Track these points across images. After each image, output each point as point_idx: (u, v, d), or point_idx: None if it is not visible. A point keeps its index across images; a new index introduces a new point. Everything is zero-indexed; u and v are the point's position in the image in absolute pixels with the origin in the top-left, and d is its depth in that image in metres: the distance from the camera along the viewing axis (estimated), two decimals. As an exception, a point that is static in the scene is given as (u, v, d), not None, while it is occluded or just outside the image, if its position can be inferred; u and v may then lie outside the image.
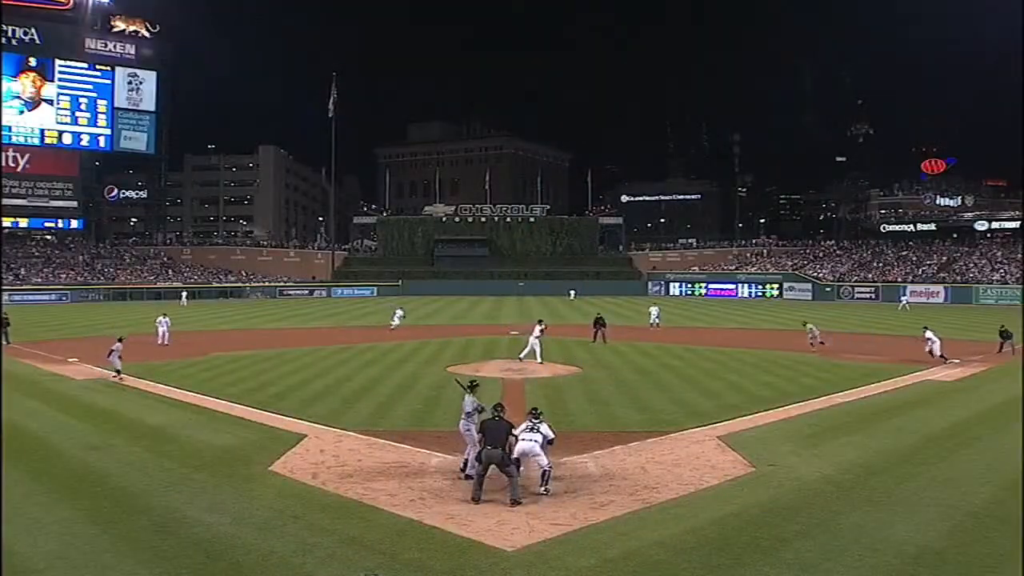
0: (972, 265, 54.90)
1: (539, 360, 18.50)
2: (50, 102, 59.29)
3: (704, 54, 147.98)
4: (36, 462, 9.23)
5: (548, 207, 75.63)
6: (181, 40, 66.97)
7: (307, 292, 61.16)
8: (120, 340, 16.19)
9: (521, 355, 19.05)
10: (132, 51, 62.70)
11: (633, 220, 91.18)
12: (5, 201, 54.92)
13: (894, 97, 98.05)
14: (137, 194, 68.50)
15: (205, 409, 12.81)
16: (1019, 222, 58.46)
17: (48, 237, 63.56)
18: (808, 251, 67.24)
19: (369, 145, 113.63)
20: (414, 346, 22.61)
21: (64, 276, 55.54)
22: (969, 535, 6.85)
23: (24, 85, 58.29)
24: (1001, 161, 69.79)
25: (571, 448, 9.79)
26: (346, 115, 78.62)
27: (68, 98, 60.03)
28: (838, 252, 65.20)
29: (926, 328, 19.45)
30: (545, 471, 8.07)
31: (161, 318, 23.49)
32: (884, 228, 67.18)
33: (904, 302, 43.85)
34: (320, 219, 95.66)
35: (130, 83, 62.76)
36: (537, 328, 19.45)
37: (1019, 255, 52.50)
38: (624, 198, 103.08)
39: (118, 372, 15.59)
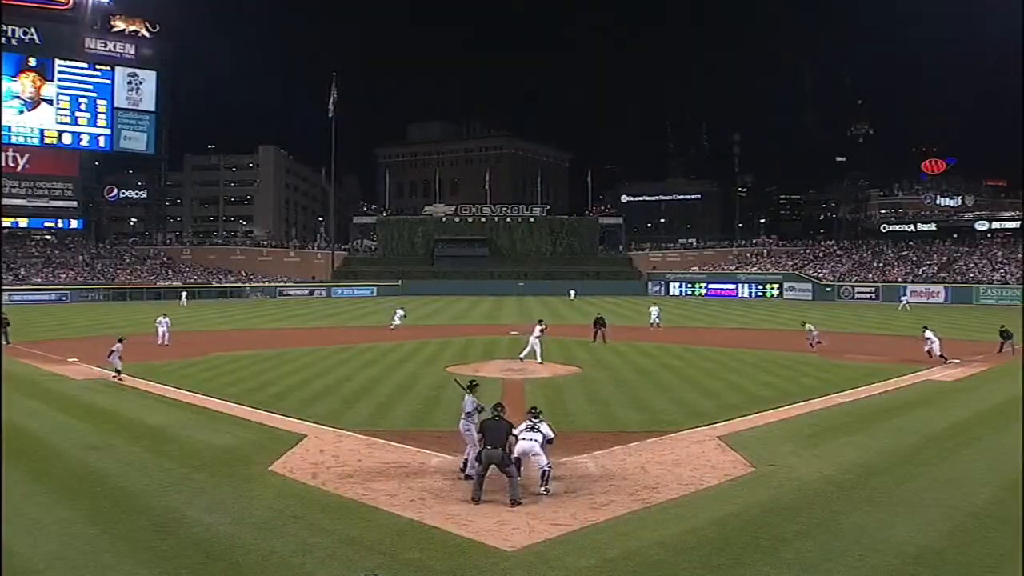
0: (972, 265, 54.87)
1: (539, 360, 18.49)
2: (50, 102, 59.22)
3: (704, 54, 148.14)
4: (36, 462, 9.23)
5: (548, 207, 75.61)
6: (181, 40, 67.09)
7: (307, 292, 61.15)
8: (120, 340, 16.19)
9: (521, 355, 19.05)
10: (132, 51, 62.64)
11: (633, 220, 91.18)
12: (5, 201, 54.90)
13: (894, 97, 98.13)
14: (137, 194, 68.45)
15: (205, 409, 12.80)
16: (1019, 222, 58.43)
17: (48, 237, 63.52)
18: (808, 251, 67.21)
19: (369, 145, 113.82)
20: (414, 346, 22.60)
21: (64, 276, 55.52)
22: (970, 535, 6.84)
23: (24, 85, 58.22)
24: (1001, 161, 69.79)
25: (571, 448, 9.78)
26: (346, 115, 78.70)
27: (68, 98, 59.97)
28: (838, 252, 65.17)
29: (925, 328, 19.45)
30: (545, 471, 8.07)
31: (161, 318, 23.49)
32: (884, 228, 67.13)
33: (904, 302, 43.83)
34: (320, 219, 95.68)
35: (130, 83, 62.71)
36: (537, 328, 19.44)
37: (1019, 255, 52.48)
38: (624, 198, 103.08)
39: (118, 372, 15.59)
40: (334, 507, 7.57)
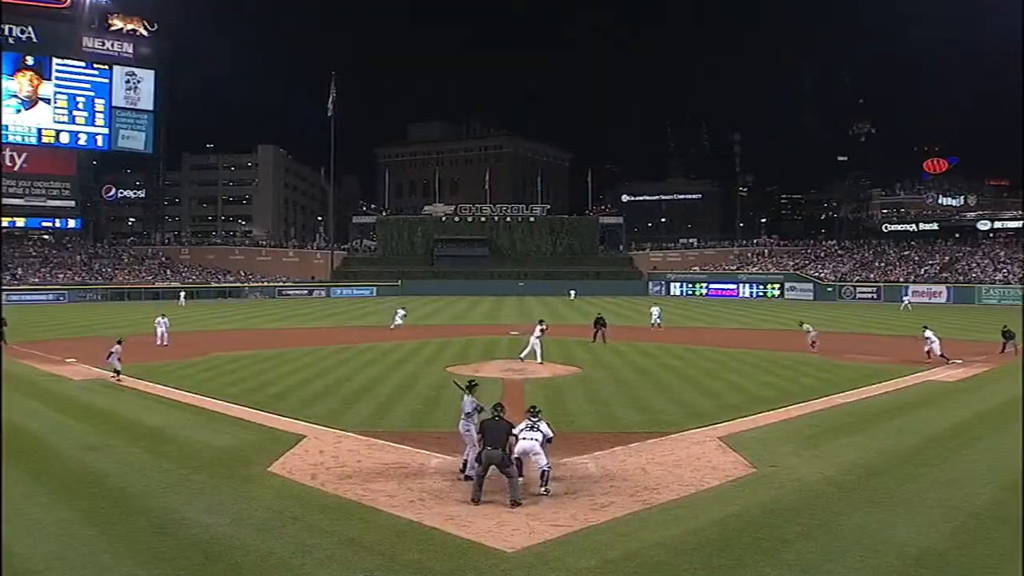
0: (974, 265, 54.72)
1: (539, 360, 18.47)
2: (47, 101, 59.02)
3: (704, 54, 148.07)
4: (34, 463, 9.20)
5: (548, 207, 75.57)
6: (179, 39, 67.08)
7: (306, 292, 61.10)
8: (119, 342, 16.16)
9: (522, 355, 19.04)
10: (130, 50, 62.45)
11: (634, 220, 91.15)
12: (2, 201, 54.79)
13: (896, 96, 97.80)
14: (135, 194, 68.29)
15: (204, 410, 12.77)
16: (1022, 222, 58.21)
17: (45, 237, 63.40)
18: (809, 251, 67.09)
19: (369, 145, 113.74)
20: (414, 346, 22.57)
21: (61, 276, 55.42)
22: (971, 536, 6.83)
23: (21, 84, 57.98)
24: (1003, 160, 69.57)
25: (571, 449, 9.77)
26: (346, 115, 78.56)
27: (65, 97, 59.76)
28: (840, 252, 65.03)
29: (925, 328, 19.42)
30: (544, 471, 8.06)
31: (159, 319, 23.41)
32: (886, 228, 66.88)
33: (906, 302, 43.67)
34: (319, 219, 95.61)
35: (128, 82, 62.53)
36: (538, 328, 19.42)
37: (1022, 255, 52.46)
38: (625, 198, 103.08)
39: (117, 372, 15.55)
40: (333, 508, 7.55)
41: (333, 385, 15.25)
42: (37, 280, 53.25)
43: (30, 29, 57.35)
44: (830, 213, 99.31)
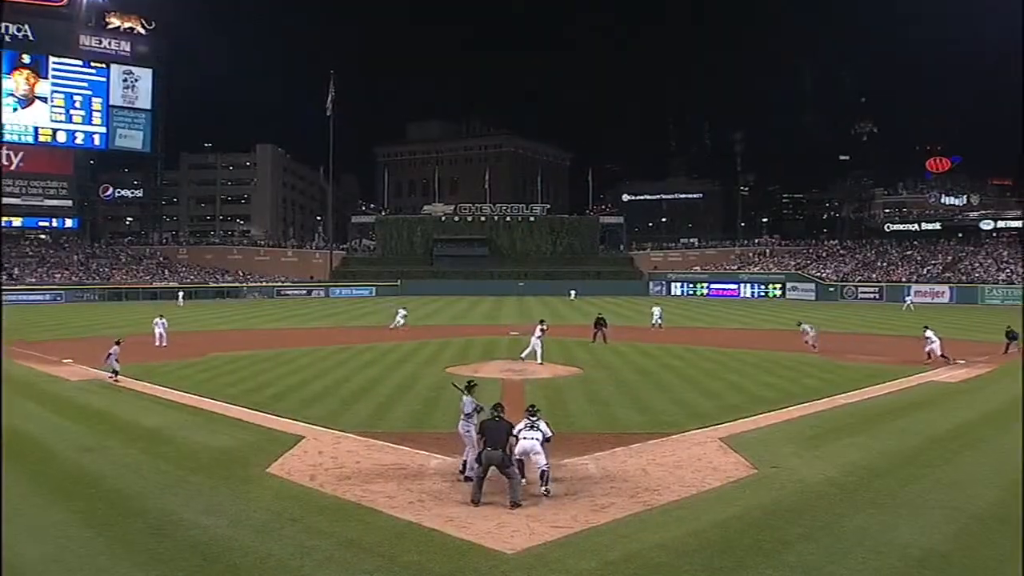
0: (977, 265, 54.50)
1: (539, 361, 18.42)
2: (44, 100, 58.66)
3: (704, 54, 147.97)
4: (31, 464, 9.15)
5: (548, 206, 75.47)
6: (177, 37, 66.76)
7: (305, 292, 61.01)
8: (118, 343, 16.10)
9: (523, 355, 19.01)
10: (127, 48, 62.15)
11: (634, 219, 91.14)
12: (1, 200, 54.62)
13: (898, 95, 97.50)
14: (133, 193, 68.02)
15: (202, 410, 12.72)
16: (1025, 221, 58.19)
17: (42, 236, 63.16)
18: (811, 251, 66.92)
19: (368, 144, 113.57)
20: (413, 346, 22.53)
21: (59, 276, 55.26)
22: (974, 538, 6.80)
23: (17, 82, 57.59)
24: (1007, 160, 69.15)
25: (572, 449, 9.74)
26: (345, 114, 78.38)
27: (62, 96, 59.42)
28: (841, 252, 64.86)
29: (926, 328, 19.38)
30: (544, 471, 8.04)
31: (158, 319, 23.30)
32: (888, 227, 66.56)
33: (909, 302, 43.52)
34: (318, 218, 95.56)
35: (125, 81, 62.25)
36: (538, 328, 19.37)
37: (1025, 255, 52.33)
38: (625, 197, 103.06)
39: (115, 373, 15.49)
40: (332, 509, 7.53)
41: (332, 386, 15.21)
42: (34, 280, 53.09)
43: (26, 27, 56.94)
44: (832, 213, 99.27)
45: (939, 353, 18.32)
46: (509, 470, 7.77)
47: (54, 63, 58.90)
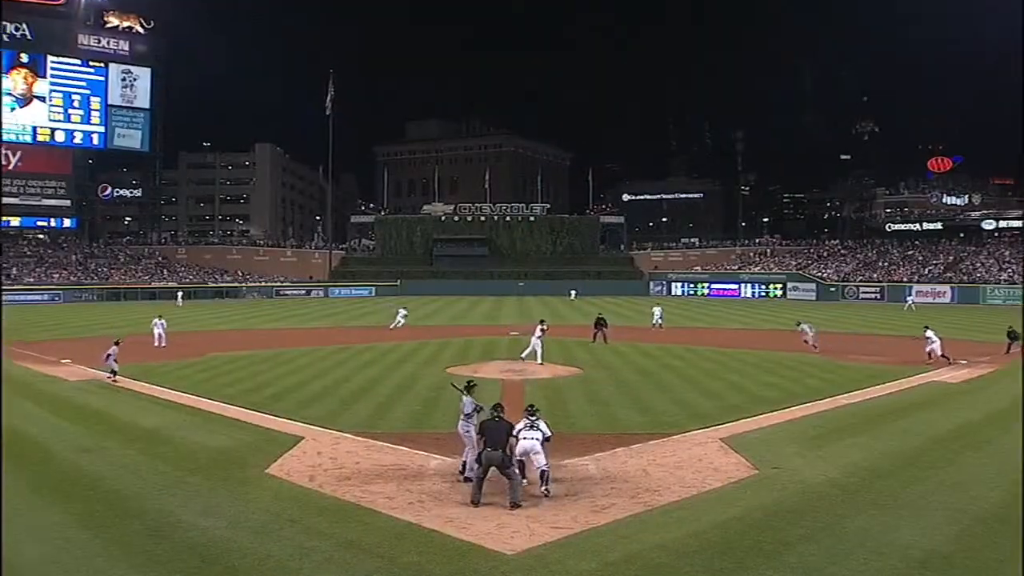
0: (979, 265, 54.34)
1: (539, 361, 18.39)
2: (42, 99, 58.45)
3: (704, 54, 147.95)
4: (28, 465, 9.10)
5: (548, 206, 75.35)
6: (176, 36, 66.35)
7: (304, 292, 60.95)
8: (117, 343, 16.06)
9: (523, 354, 18.99)
10: (126, 47, 61.94)
11: (635, 219, 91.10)
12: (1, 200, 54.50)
13: (899, 95, 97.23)
14: (131, 192, 67.88)
15: (200, 411, 12.68)
16: (1027, 221, 57.79)
17: (40, 236, 62.92)
18: (812, 251, 66.77)
19: (367, 143, 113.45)
20: (413, 347, 22.51)
21: (57, 276, 55.12)
22: (977, 539, 6.77)
23: (15, 81, 57.37)
24: (1009, 159, 68.78)
25: (572, 450, 9.72)
26: (344, 113, 78.40)
27: (61, 95, 59.21)
28: (843, 252, 64.72)
29: (927, 328, 19.34)
30: (544, 471, 8.02)
31: (156, 320, 23.20)
32: (889, 227, 66.29)
33: (910, 302, 43.37)
34: (317, 218, 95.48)
35: (124, 80, 62.05)
36: (538, 329, 19.33)
37: (1027, 255, 52.01)
38: (625, 197, 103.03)
39: (114, 373, 15.45)
40: (331, 510, 7.50)
41: (331, 386, 15.18)
42: (32, 280, 52.91)
43: (24, 26, 56.68)
44: (833, 212, 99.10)
45: (939, 353, 18.29)
46: (509, 471, 7.74)
47: (52, 62, 58.72)
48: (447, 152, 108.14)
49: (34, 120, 58.56)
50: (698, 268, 66.68)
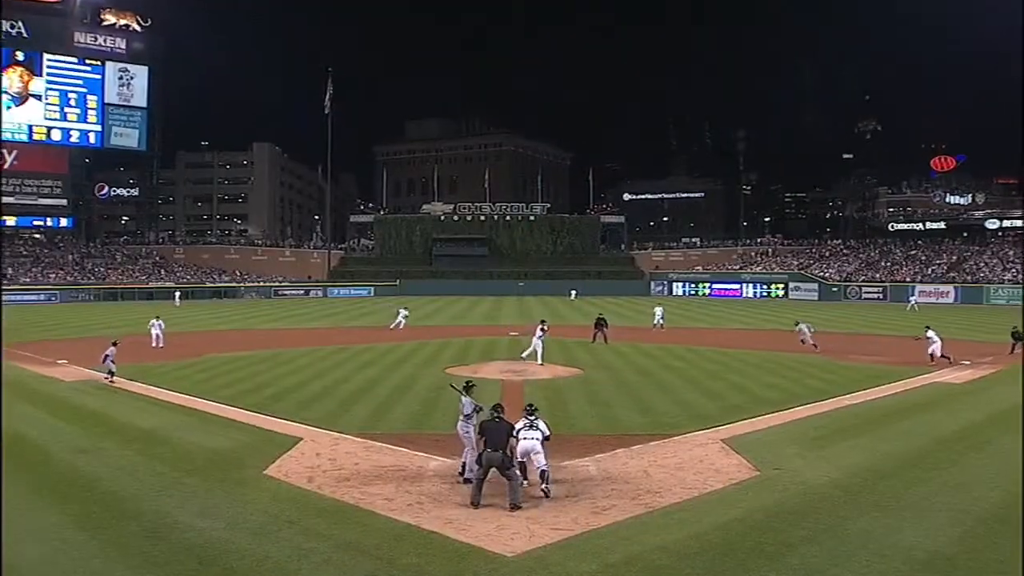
0: (983, 264, 54.13)
1: (539, 362, 18.34)
2: (38, 97, 58.14)
3: (704, 54, 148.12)
4: (24, 466, 9.04)
5: (548, 205, 75.25)
6: (173, 34, 65.70)
7: (303, 292, 60.86)
8: (114, 344, 16.00)
9: (524, 354, 18.96)
10: (123, 45, 61.61)
11: (635, 219, 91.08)
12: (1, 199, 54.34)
13: (902, 93, 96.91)
14: (128, 192, 67.69)
15: (198, 411, 12.64)
16: (1031, 220, 57.25)
17: (37, 236, 62.53)
18: (814, 250, 66.64)
19: (366, 142, 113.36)
20: (412, 347, 22.46)
21: (53, 276, 54.94)
22: (980, 541, 6.73)
23: (11, 80, 57.04)
24: (1013, 158, 68.24)
25: (572, 451, 9.69)
26: (343, 112, 78.30)
27: (57, 93, 58.92)
28: (845, 251, 64.56)
29: (928, 328, 19.29)
30: (544, 471, 8.00)
31: (154, 321, 23.04)
32: (892, 227, 65.91)
33: (913, 302, 43.22)
34: (316, 218, 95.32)
35: (121, 78, 61.72)
36: (539, 329, 19.28)
37: (1031, 254, 51.62)
38: (626, 196, 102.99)
39: (111, 374, 15.39)
40: (330, 511, 7.46)
41: (330, 386, 15.13)
42: (28, 280, 52.71)
43: (20, 24, 56.30)
44: (835, 212, 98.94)
45: (939, 354, 18.24)
46: (510, 472, 7.70)
47: (48, 60, 58.40)
48: (447, 151, 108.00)
49: (30, 119, 58.27)
50: (699, 268, 66.59)
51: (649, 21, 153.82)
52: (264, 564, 6.07)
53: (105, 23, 61.04)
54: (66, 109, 59.61)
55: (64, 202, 61.34)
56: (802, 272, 59.77)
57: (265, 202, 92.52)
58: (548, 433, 8.18)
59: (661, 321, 28.87)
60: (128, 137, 62.88)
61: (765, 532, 6.81)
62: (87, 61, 60.27)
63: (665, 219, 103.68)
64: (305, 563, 6.10)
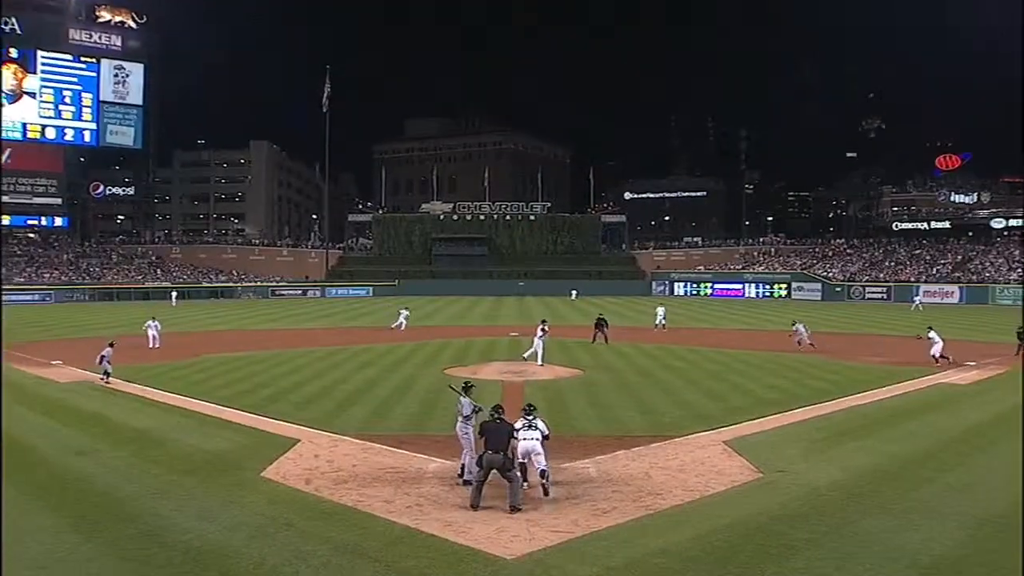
0: (988, 264, 53.89)
1: (540, 362, 18.26)
2: (32, 95, 57.72)
3: (705, 52, 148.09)
4: (19, 468, 8.95)
5: (549, 205, 75.16)
6: (169, 31, 65.54)
7: (300, 292, 60.75)
8: (111, 344, 15.91)
9: (525, 355, 18.91)
10: (118, 42, 61.19)
11: (636, 218, 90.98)
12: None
13: (907, 91, 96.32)
14: (124, 191, 67.37)
15: (195, 412, 12.57)
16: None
17: (31, 235, 62.22)
18: (817, 250, 66.44)
19: (365, 141, 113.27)
20: (411, 347, 22.39)
21: (48, 276, 54.71)
22: (986, 544, 6.69)
23: (5, 77, 56.58)
24: (1018, 156, 67.62)
25: (573, 453, 9.65)
26: (342, 110, 78.14)
27: (51, 91, 58.50)
28: (848, 251, 64.33)
29: (930, 328, 19.22)
30: (544, 470, 7.96)
31: (150, 322, 22.84)
32: (896, 226, 65.64)
33: (917, 302, 43.01)
34: (314, 217, 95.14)
35: (116, 76, 61.30)
36: (539, 329, 19.21)
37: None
38: (627, 195, 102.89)
39: (107, 375, 15.29)
40: (328, 514, 7.41)
41: (328, 387, 15.06)
42: (22, 280, 52.39)
43: (13, 20, 55.80)
44: (839, 211, 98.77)
45: (938, 354, 18.19)
46: (511, 473, 7.64)
47: (43, 57, 57.95)
48: (446, 150, 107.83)
49: (24, 116, 57.78)
50: (701, 268, 66.51)
51: (652, 18, 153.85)
52: (261, 567, 6.03)
53: (100, 20, 60.63)
54: (61, 107, 59.20)
55: (59, 201, 61.02)
56: (805, 272, 59.62)
57: (263, 201, 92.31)
58: (547, 432, 8.14)
59: (663, 321, 28.77)
60: (124, 135, 62.54)
61: (768, 535, 6.76)
62: (82, 58, 59.84)
63: (667, 218, 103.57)
64: (303, 566, 6.05)
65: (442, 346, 22.96)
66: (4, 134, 56.91)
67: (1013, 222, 58.71)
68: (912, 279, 53.15)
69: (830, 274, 58.64)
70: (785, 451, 9.90)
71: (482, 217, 70.56)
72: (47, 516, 7.24)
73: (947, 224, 62.45)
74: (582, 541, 6.63)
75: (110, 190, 66.04)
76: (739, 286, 59.71)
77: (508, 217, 70.69)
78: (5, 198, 56.91)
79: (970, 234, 60.55)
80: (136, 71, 62.16)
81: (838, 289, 54.95)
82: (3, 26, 55.58)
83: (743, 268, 63.82)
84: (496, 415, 7.99)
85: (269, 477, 8.66)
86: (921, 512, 7.47)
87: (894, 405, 13.43)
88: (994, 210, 62.35)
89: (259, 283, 60.62)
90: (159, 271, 61.16)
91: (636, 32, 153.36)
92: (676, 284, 62.16)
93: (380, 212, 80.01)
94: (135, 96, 62.31)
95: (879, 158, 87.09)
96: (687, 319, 34.86)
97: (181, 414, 12.43)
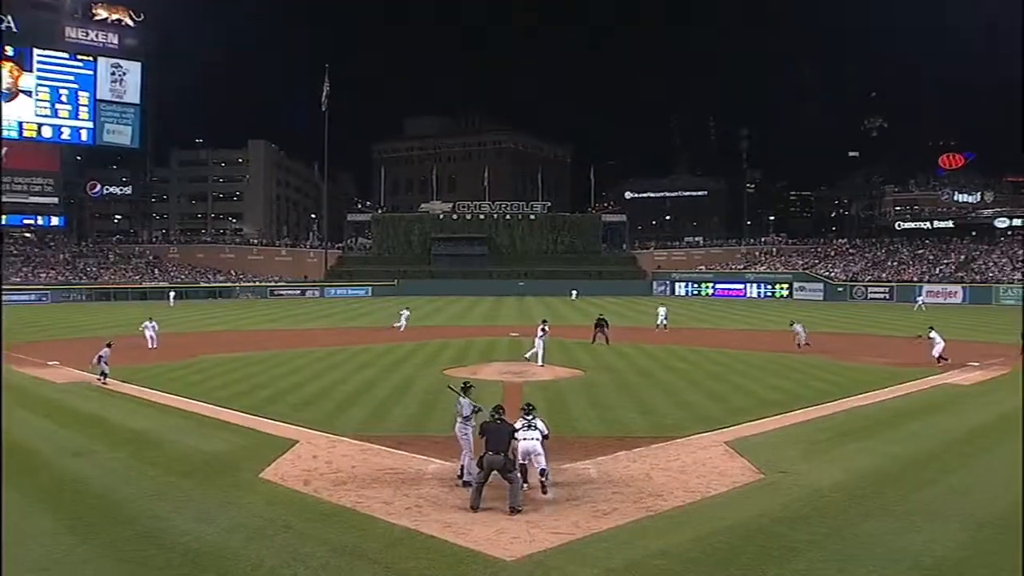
0: (992, 264, 53.68)
1: (540, 363, 18.22)
2: (29, 93, 57.35)
3: (706, 50, 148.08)
4: (15, 469, 8.90)
5: (549, 204, 74.98)
6: (167, 29, 64.92)
7: (299, 292, 60.61)
8: (108, 345, 15.86)
9: (527, 355, 18.88)
10: (115, 40, 60.86)
11: (637, 217, 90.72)
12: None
13: (909, 90, 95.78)
14: (121, 190, 67.05)
15: (193, 413, 12.54)
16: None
17: (27, 235, 61.92)
18: (819, 249, 66.29)
19: (364, 140, 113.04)
20: (411, 348, 22.35)
21: (44, 275, 54.55)
22: (989, 545, 6.67)
23: (1, 75, 56.40)
24: (1022, 155, 67.62)
25: (573, 454, 9.62)
26: (341, 109, 77.94)
27: (48, 89, 58.16)
28: (851, 251, 64.14)
29: (931, 328, 19.18)
30: (544, 470, 7.94)
31: (147, 323, 22.76)
32: (899, 225, 65.34)
33: (920, 303, 42.88)
34: (313, 216, 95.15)
35: (113, 74, 60.96)
36: (540, 329, 19.17)
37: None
38: (628, 195, 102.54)
39: (104, 375, 15.23)
40: (327, 515, 7.39)
41: (327, 388, 15.03)
42: (18, 280, 52.10)
43: (9, 18, 55.39)
44: (841, 210, 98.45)
45: (938, 354, 18.16)
46: (511, 475, 7.61)
47: (39, 55, 57.61)
48: (446, 149, 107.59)
49: (20, 115, 57.39)
50: (702, 267, 66.46)
51: (652, 17, 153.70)
52: (260, 569, 6.00)
53: (97, 18, 60.30)
54: (57, 105, 58.90)
55: (55, 200, 60.72)
56: (807, 272, 59.49)
57: (261, 201, 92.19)
58: (547, 432, 8.12)
59: (664, 321, 28.72)
60: (121, 134, 62.29)
61: (770, 536, 6.75)
62: (78, 56, 59.47)
63: (667, 218, 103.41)
64: (302, 568, 6.03)
65: (442, 346, 22.93)
66: (0, 133, 56.76)
67: (1017, 221, 58.37)
68: (915, 279, 52.95)
69: (832, 274, 58.53)
70: (787, 452, 9.87)
71: (482, 217, 70.46)
72: (45, 518, 7.24)
73: (950, 224, 62.19)
74: (582, 543, 6.61)
75: (107, 189, 65.74)
76: (740, 286, 59.62)
77: (508, 217, 70.58)
78: (2, 197, 56.80)
79: (973, 234, 60.31)
80: (133, 69, 61.90)
81: (840, 289, 54.83)
82: None
83: (744, 268, 63.75)
84: (496, 416, 7.96)
85: (267, 478, 8.63)
86: (923, 514, 7.44)
87: (896, 406, 13.39)
88: (998, 209, 62.10)
89: (257, 283, 60.51)
90: (156, 271, 61.05)
91: (636, 32, 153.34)
92: (677, 284, 62.08)
93: (379, 212, 79.87)
94: (132, 95, 62.07)
95: (881, 157, 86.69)
96: (688, 319, 34.81)
97: (179, 415, 12.40)
